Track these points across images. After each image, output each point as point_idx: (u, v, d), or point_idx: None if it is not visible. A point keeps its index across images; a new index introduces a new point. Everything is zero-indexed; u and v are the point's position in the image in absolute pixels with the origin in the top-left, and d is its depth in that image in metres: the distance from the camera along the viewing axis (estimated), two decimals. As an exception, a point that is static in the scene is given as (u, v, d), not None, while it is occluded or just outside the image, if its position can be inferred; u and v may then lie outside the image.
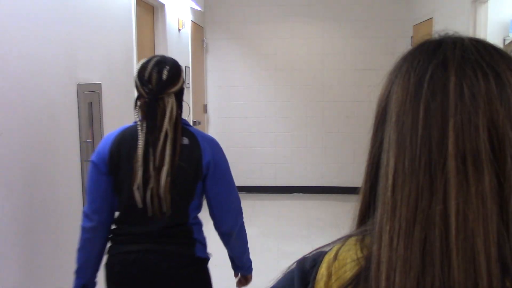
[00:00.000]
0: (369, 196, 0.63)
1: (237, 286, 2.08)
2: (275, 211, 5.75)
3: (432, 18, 5.07)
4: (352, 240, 0.62)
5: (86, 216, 1.77)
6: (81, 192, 2.46)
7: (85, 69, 2.54)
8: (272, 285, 0.68)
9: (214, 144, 1.81)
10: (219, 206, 1.83)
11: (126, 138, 1.74)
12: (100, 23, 2.77)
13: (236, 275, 2.06)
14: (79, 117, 2.43)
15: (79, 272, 1.80)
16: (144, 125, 1.69)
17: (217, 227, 1.89)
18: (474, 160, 0.52)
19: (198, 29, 6.00)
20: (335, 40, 6.29)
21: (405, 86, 0.57)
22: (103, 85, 2.76)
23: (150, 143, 1.67)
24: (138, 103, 1.74)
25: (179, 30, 4.87)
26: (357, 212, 0.65)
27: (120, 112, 3.13)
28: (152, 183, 1.67)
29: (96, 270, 1.83)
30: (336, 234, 0.66)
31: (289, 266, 0.68)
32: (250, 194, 6.14)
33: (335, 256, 0.61)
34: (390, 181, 0.56)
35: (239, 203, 1.91)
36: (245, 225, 1.98)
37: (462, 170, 0.52)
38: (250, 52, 6.35)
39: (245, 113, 6.37)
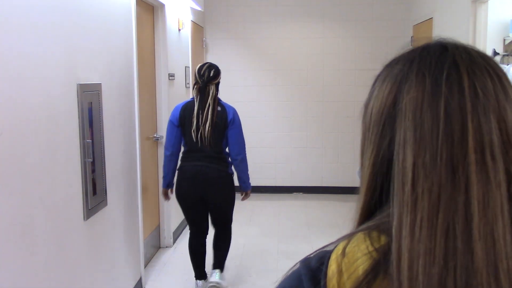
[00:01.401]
0: (372, 193, 0.65)
1: (241, 200, 3.59)
2: (275, 211, 5.74)
3: (432, 18, 5.07)
4: (359, 236, 0.63)
5: (166, 148, 3.40)
6: (81, 192, 2.46)
7: (85, 69, 2.54)
8: (277, 286, 0.68)
9: (234, 111, 3.36)
10: (231, 141, 3.32)
11: (187, 107, 3.30)
12: (100, 23, 2.77)
13: (241, 194, 3.55)
14: (79, 117, 2.43)
15: (165, 178, 3.45)
16: (198, 99, 3.25)
17: (230, 154, 3.35)
18: (491, 151, 0.57)
19: (198, 29, 6.00)
20: (335, 40, 6.29)
21: (421, 86, 0.60)
22: (103, 85, 2.76)
23: (200, 109, 3.22)
24: (195, 87, 3.31)
25: (179, 30, 4.87)
26: (358, 212, 0.67)
27: (120, 112, 3.13)
28: (201, 130, 3.20)
29: (173, 176, 3.43)
30: (336, 234, 0.66)
31: (291, 268, 0.67)
32: (250, 194, 6.12)
33: (343, 253, 0.62)
34: (409, 177, 0.59)
35: (244, 142, 3.40)
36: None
37: (480, 161, 0.57)
38: (250, 52, 6.36)
39: (245, 113, 6.35)
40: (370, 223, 0.64)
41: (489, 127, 0.57)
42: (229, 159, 3.37)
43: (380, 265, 0.59)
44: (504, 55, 4.27)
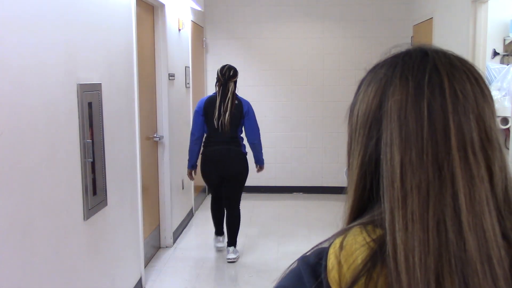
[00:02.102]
0: (361, 192, 0.68)
1: (257, 172, 4.43)
2: (275, 211, 5.74)
3: (432, 18, 5.07)
4: (355, 229, 0.64)
5: (192, 133, 4.16)
6: (81, 192, 2.46)
7: (85, 69, 2.54)
8: (277, 285, 0.68)
9: (248, 104, 4.15)
10: (247, 129, 4.15)
11: (211, 99, 4.08)
12: (100, 23, 2.77)
13: (256, 167, 4.37)
14: (79, 117, 2.43)
15: (190, 160, 4.22)
16: (220, 93, 4.03)
17: (247, 139, 4.18)
18: (472, 149, 0.61)
19: (198, 29, 6.00)
20: (335, 40, 6.29)
21: (405, 89, 0.64)
22: (103, 85, 2.76)
23: (222, 102, 4.00)
24: (217, 84, 4.08)
25: (179, 30, 4.87)
26: (348, 210, 0.71)
27: (120, 112, 3.13)
28: (221, 118, 3.98)
29: (196, 158, 4.21)
30: (336, 234, 0.66)
31: (289, 266, 0.68)
32: (250, 194, 6.13)
33: (341, 246, 0.63)
34: (397, 173, 0.62)
35: (258, 129, 4.20)
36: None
37: (463, 157, 0.61)
38: (250, 52, 6.36)
39: (245, 113, 6.37)
40: (363, 220, 0.66)
41: (469, 126, 0.61)
42: (243, 141, 4.15)
43: (377, 254, 0.61)
44: (504, 55, 4.27)
